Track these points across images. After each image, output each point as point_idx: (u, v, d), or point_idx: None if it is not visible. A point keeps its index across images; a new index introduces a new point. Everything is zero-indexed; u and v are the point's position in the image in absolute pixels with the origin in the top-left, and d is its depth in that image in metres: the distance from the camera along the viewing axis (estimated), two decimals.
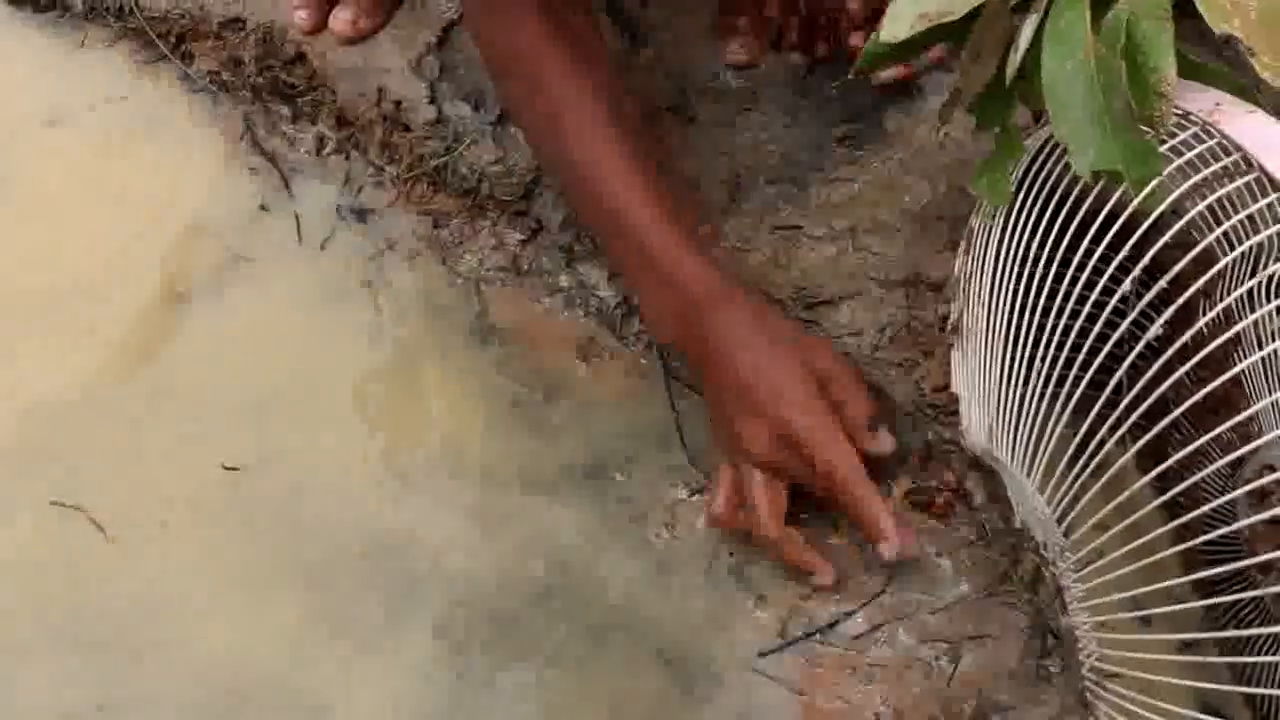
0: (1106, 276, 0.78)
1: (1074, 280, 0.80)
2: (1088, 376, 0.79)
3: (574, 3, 1.01)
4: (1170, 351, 0.75)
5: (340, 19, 1.18)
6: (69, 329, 1.10)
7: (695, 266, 0.95)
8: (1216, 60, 0.86)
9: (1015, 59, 0.80)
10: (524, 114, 1.05)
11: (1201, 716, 0.83)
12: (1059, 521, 0.84)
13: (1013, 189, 0.86)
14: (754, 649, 0.93)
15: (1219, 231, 0.75)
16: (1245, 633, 0.81)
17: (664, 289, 0.96)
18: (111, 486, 1.02)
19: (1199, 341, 0.76)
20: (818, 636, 0.93)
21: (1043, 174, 0.85)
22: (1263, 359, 0.81)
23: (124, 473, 1.03)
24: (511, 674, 0.94)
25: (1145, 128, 0.74)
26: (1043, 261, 0.82)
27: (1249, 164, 0.75)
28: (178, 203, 1.17)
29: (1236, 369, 0.75)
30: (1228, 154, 0.76)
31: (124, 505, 1.01)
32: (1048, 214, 0.83)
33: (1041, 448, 0.84)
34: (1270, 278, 0.76)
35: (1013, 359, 0.85)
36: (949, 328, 0.95)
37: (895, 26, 0.80)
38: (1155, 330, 0.75)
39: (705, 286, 0.95)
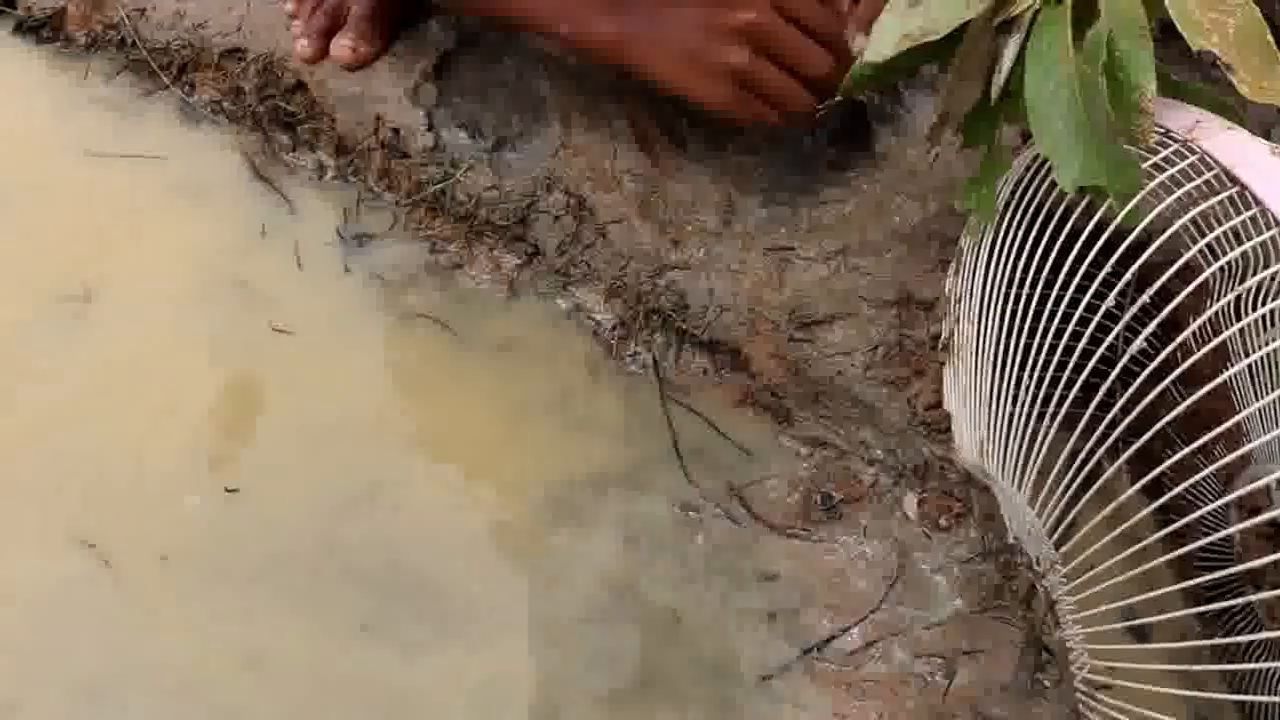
0: (1091, 293, 0.79)
1: (1061, 297, 0.81)
2: (1073, 392, 0.80)
3: None
4: (1155, 363, 0.76)
5: (341, 45, 1.20)
6: (71, 351, 1.11)
7: None
8: (1203, 80, 0.88)
9: (999, 78, 0.81)
10: None
11: None
12: (1050, 535, 0.85)
13: (1000, 205, 0.87)
14: (748, 665, 0.94)
15: (1202, 244, 0.76)
16: (1237, 639, 0.82)
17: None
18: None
19: (1186, 354, 0.76)
20: (814, 653, 0.94)
21: (1030, 192, 0.86)
22: (1250, 372, 0.82)
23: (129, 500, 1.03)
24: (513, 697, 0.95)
25: (1127, 143, 0.75)
26: (1030, 278, 0.83)
27: (1228, 179, 0.76)
28: (178, 230, 1.18)
29: (1220, 379, 0.76)
30: (1208, 170, 0.77)
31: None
32: (1035, 232, 0.84)
33: (1032, 462, 0.85)
34: (1252, 289, 0.77)
35: (1002, 375, 0.86)
36: (940, 346, 0.96)
37: (880, 46, 0.81)
38: (1139, 344, 0.76)
39: None
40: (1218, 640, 0.83)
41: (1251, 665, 0.85)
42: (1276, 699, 0.83)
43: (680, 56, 0.99)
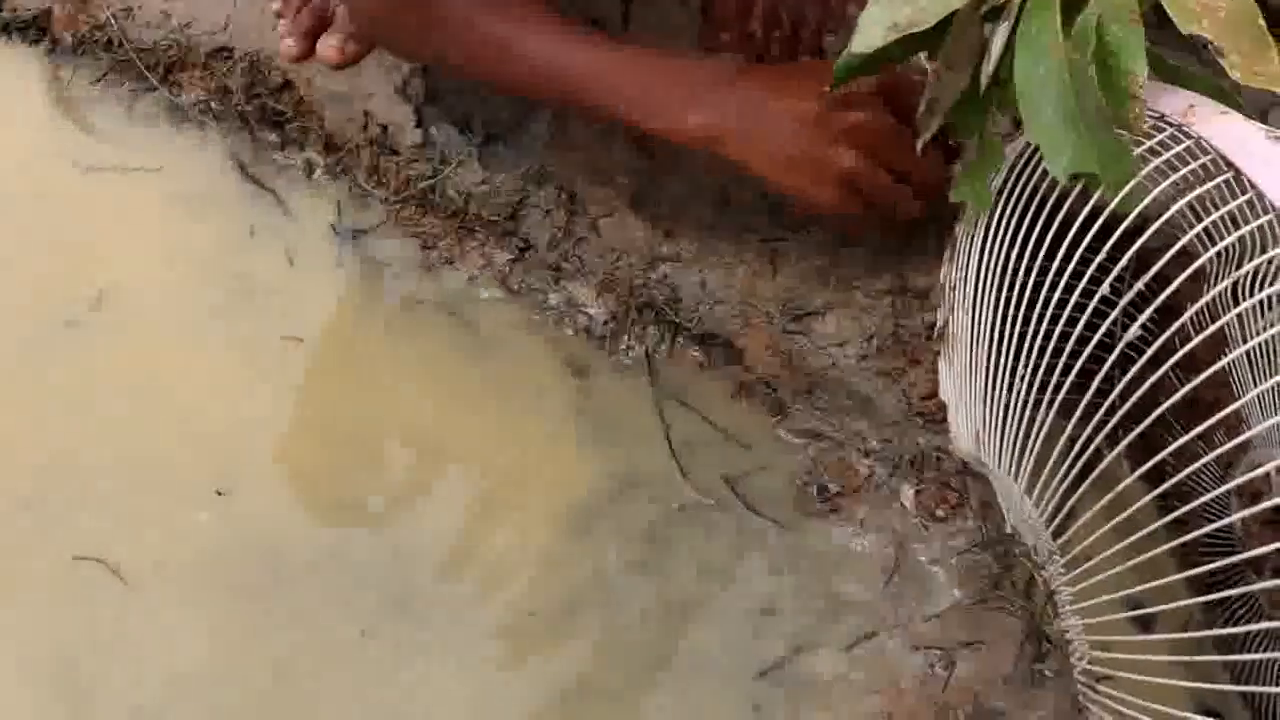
0: (1086, 278, 0.78)
1: (1056, 284, 0.80)
2: (1069, 379, 0.79)
3: None
4: (1152, 349, 0.75)
5: (328, 45, 1.18)
6: (60, 358, 1.10)
7: (693, 57, 0.99)
8: (1196, 63, 0.87)
9: (989, 66, 0.80)
10: (463, 54, 1.04)
11: (1199, 717, 0.83)
12: (1048, 525, 0.84)
13: (994, 193, 0.86)
14: (750, 662, 0.93)
15: (1198, 229, 0.75)
16: (1240, 629, 0.81)
17: (677, 84, 0.97)
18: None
19: (1184, 339, 0.76)
20: (811, 646, 0.94)
21: (1024, 180, 0.85)
22: (1248, 357, 0.81)
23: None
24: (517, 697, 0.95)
25: (1119, 129, 0.75)
26: (1024, 266, 0.83)
27: (1223, 164, 0.75)
28: (169, 230, 1.17)
29: (1217, 365, 0.75)
30: (1203, 155, 0.77)
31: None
32: (1029, 219, 0.83)
33: (1028, 452, 0.84)
34: (1249, 274, 0.76)
35: (998, 364, 0.86)
36: (935, 335, 0.96)
37: (867, 37, 0.80)
38: (1135, 330, 0.75)
39: (724, 65, 0.97)
40: (1220, 631, 0.82)
41: (1255, 656, 0.84)
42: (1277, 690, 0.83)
43: (786, 156, 0.95)
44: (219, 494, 1.02)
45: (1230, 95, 0.81)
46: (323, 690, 0.94)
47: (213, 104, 1.24)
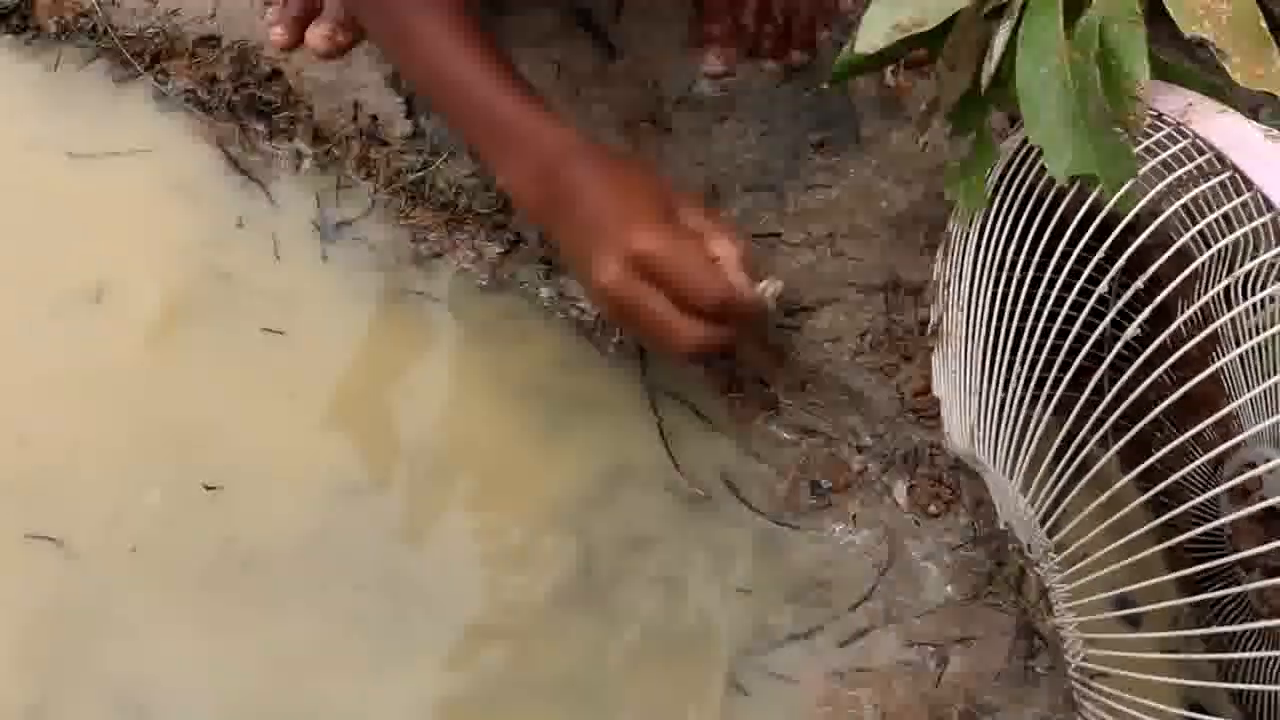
0: (1084, 278, 0.78)
1: (1052, 282, 0.80)
2: (1067, 378, 0.79)
3: None
4: (1149, 351, 0.76)
5: (317, 34, 1.17)
6: (47, 345, 1.10)
7: (548, 126, 0.96)
8: (1189, 60, 0.87)
9: (990, 66, 0.80)
10: (377, 28, 1.06)
11: (1190, 714, 0.84)
12: (1042, 523, 0.84)
13: (989, 190, 0.86)
14: (738, 657, 0.94)
15: (1195, 230, 0.76)
16: (1231, 629, 0.82)
17: (520, 153, 0.96)
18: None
19: (1178, 340, 0.76)
20: (804, 642, 0.94)
21: (1019, 177, 0.85)
22: (1241, 356, 0.82)
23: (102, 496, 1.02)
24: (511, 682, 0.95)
25: (1119, 130, 0.75)
26: (1020, 264, 0.83)
27: (1222, 163, 0.76)
28: (155, 220, 1.16)
29: (1213, 367, 0.76)
30: (1201, 154, 0.77)
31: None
32: (1025, 216, 0.83)
33: (1023, 449, 0.84)
34: (1246, 275, 0.77)
35: (993, 362, 0.86)
36: (929, 332, 0.96)
37: (870, 37, 0.80)
38: (1133, 330, 0.76)
39: (560, 143, 0.95)
40: (1211, 630, 0.83)
41: (1244, 655, 0.85)
42: (1270, 687, 0.83)
43: (578, 252, 0.94)
44: (207, 488, 1.02)
45: (1222, 91, 0.82)
46: (304, 679, 0.95)
47: (200, 93, 1.23)
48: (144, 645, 0.96)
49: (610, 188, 0.93)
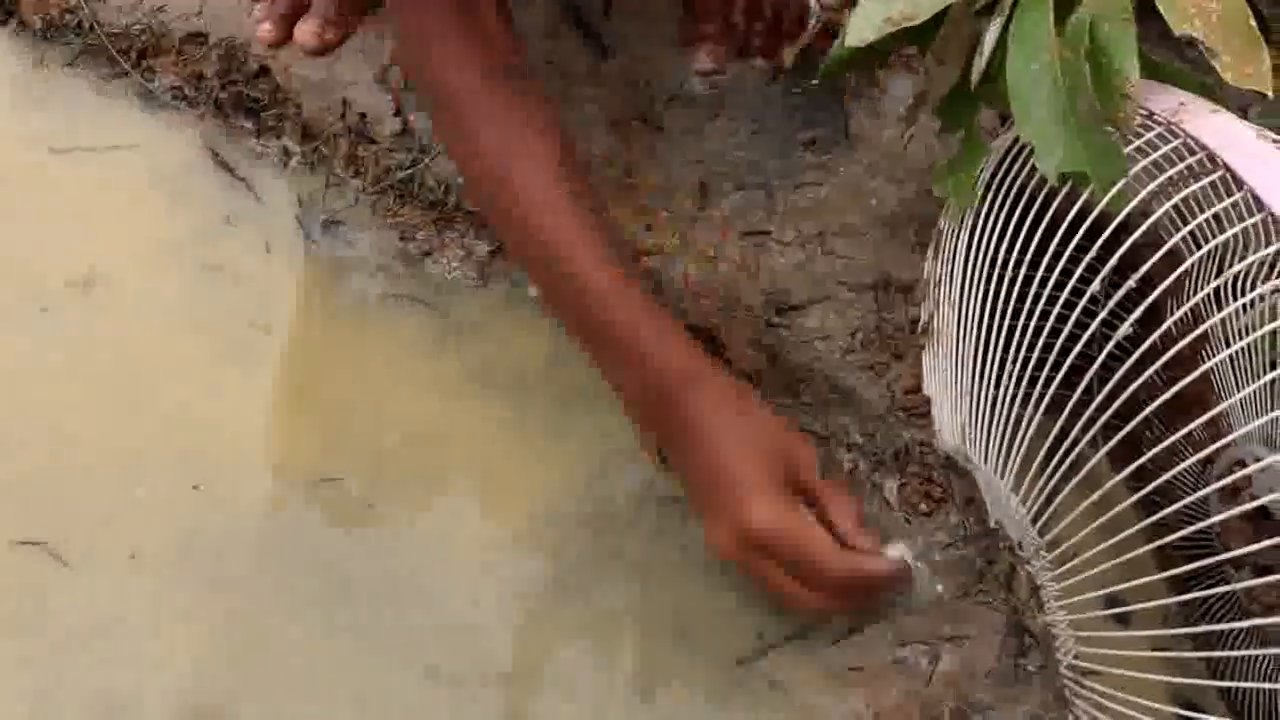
0: (1076, 277, 0.78)
1: (1043, 281, 0.80)
2: (1059, 376, 0.79)
3: (511, 49, 0.97)
4: (1140, 351, 0.76)
5: (305, 31, 1.17)
6: (32, 345, 1.09)
7: (666, 347, 0.92)
8: (1179, 60, 0.87)
9: (980, 62, 0.80)
10: (465, 161, 0.99)
11: (1181, 711, 0.84)
12: (1034, 521, 0.84)
13: (980, 190, 0.86)
14: (732, 655, 0.94)
15: (1186, 230, 0.76)
16: (1220, 627, 0.82)
17: (637, 370, 0.92)
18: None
19: (1168, 340, 0.76)
20: (796, 641, 0.94)
21: (1010, 175, 0.85)
22: (1231, 357, 0.82)
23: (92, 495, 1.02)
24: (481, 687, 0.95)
25: (1110, 128, 0.75)
26: (1012, 262, 0.83)
27: (1213, 163, 0.76)
28: (143, 218, 1.16)
29: (1203, 368, 0.76)
30: (1193, 153, 0.77)
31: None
32: (1016, 215, 0.83)
33: (1014, 448, 0.84)
34: (1236, 275, 0.77)
35: (984, 360, 0.86)
36: (920, 330, 0.96)
37: (860, 31, 0.80)
38: (1125, 330, 0.76)
39: (678, 367, 0.91)
40: (1201, 629, 0.83)
41: (1234, 652, 0.85)
42: (1258, 684, 0.83)
43: (691, 490, 0.93)
44: (195, 488, 1.01)
45: (1212, 90, 0.82)
46: (289, 673, 0.94)
47: (187, 90, 1.22)
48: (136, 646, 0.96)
49: (726, 438, 0.89)
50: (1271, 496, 0.78)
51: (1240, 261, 0.75)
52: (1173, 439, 0.76)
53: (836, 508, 0.90)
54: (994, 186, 0.86)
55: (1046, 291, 0.80)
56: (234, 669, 0.94)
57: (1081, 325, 0.79)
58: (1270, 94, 0.75)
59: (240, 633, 0.95)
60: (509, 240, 1.00)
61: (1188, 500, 0.78)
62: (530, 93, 0.96)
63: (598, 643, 0.95)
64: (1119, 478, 0.77)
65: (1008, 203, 0.84)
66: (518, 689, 0.93)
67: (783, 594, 0.89)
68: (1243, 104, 1.01)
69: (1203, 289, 0.77)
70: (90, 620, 0.95)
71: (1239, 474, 0.79)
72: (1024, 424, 0.83)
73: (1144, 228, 0.76)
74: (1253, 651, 0.85)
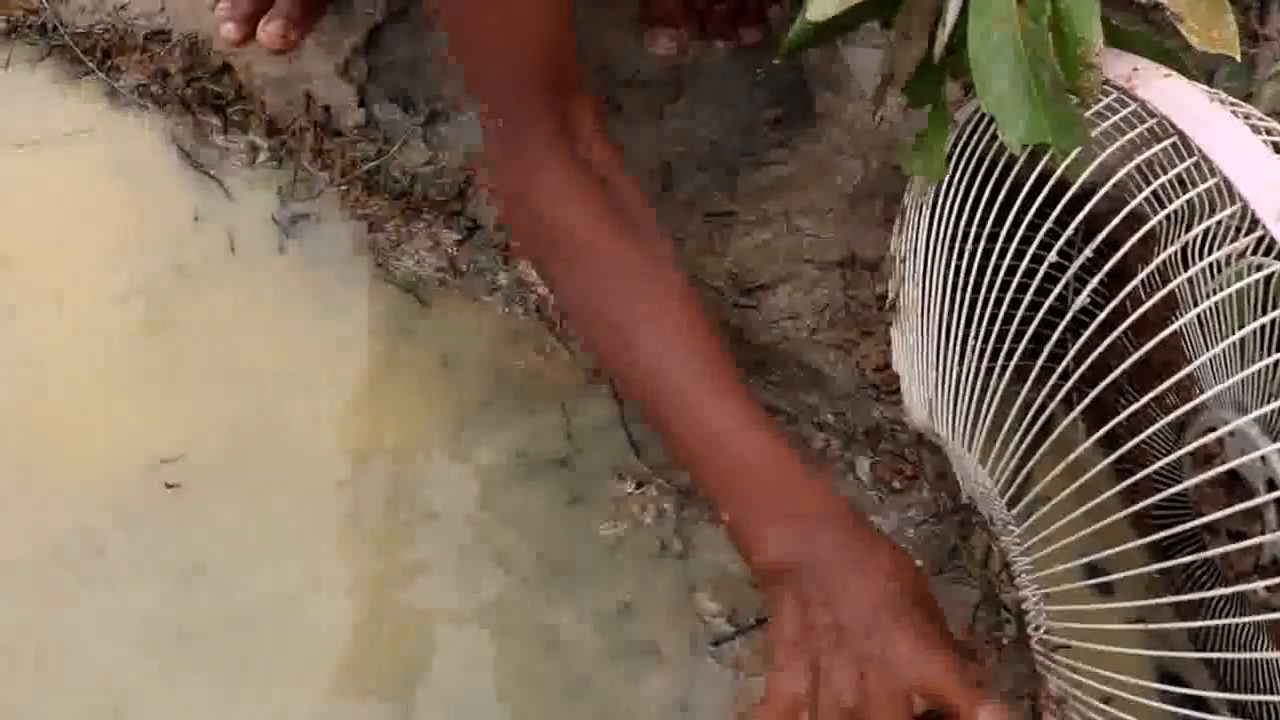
0: (1037, 244, 0.78)
1: (1004, 251, 0.80)
2: (1021, 346, 0.79)
3: (613, 161, 0.91)
4: (1104, 313, 0.75)
5: (269, 32, 1.17)
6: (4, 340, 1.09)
7: (809, 481, 0.82)
8: (1140, 22, 0.87)
9: (943, 35, 0.79)
10: (577, 310, 0.92)
11: (1152, 684, 0.83)
12: (1002, 494, 0.84)
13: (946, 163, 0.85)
14: (706, 638, 0.93)
15: (1147, 192, 0.75)
16: (1199, 595, 0.81)
17: (779, 519, 0.80)
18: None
19: (1134, 302, 0.76)
20: (769, 622, 0.93)
21: (971, 146, 0.84)
22: (1200, 320, 0.81)
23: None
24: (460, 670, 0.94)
25: (1073, 97, 0.74)
26: (973, 234, 0.82)
27: (1166, 128, 0.75)
28: (110, 217, 1.15)
29: (1169, 329, 0.75)
30: (1149, 118, 0.76)
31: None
32: (977, 185, 0.83)
33: (981, 422, 0.84)
34: (1195, 239, 0.76)
35: (949, 334, 0.85)
36: (887, 306, 0.95)
37: (823, 5, 0.79)
38: (1085, 295, 0.75)
39: (822, 505, 0.81)
40: (1179, 597, 0.82)
41: (1214, 621, 0.84)
42: (1237, 654, 0.83)
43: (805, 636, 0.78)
44: (168, 486, 1.01)
45: (1175, 56, 0.81)
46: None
47: (152, 88, 1.22)
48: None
49: (868, 592, 0.77)
50: (1240, 460, 0.77)
51: (1199, 225, 0.74)
52: (1141, 402, 0.75)
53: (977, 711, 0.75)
54: (956, 158, 0.85)
55: (1006, 262, 0.79)
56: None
57: (1047, 294, 0.78)
58: (1238, 57, 0.75)
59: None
60: (627, 388, 0.93)
61: (1159, 465, 0.77)
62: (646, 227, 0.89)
63: (566, 633, 0.95)
64: (1086, 444, 0.76)
65: (969, 174, 0.84)
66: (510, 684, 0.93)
67: None
68: (1210, 67, 1.01)
69: (1165, 253, 0.76)
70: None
71: (1207, 438, 0.78)
72: (989, 395, 0.82)
73: (1103, 191, 0.75)
74: (1231, 620, 0.85)
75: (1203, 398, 0.78)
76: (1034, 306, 0.78)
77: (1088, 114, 0.76)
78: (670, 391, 0.84)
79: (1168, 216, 0.75)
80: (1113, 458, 0.76)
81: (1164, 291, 0.75)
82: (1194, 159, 0.74)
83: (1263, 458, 0.77)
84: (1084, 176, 0.75)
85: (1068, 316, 0.76)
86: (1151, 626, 0.86)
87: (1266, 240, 0.70)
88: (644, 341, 0.85)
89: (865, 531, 0.80)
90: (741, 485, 0.82)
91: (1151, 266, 0.76)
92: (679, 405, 0.84)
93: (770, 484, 0.81)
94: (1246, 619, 0.82)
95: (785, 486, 0.81)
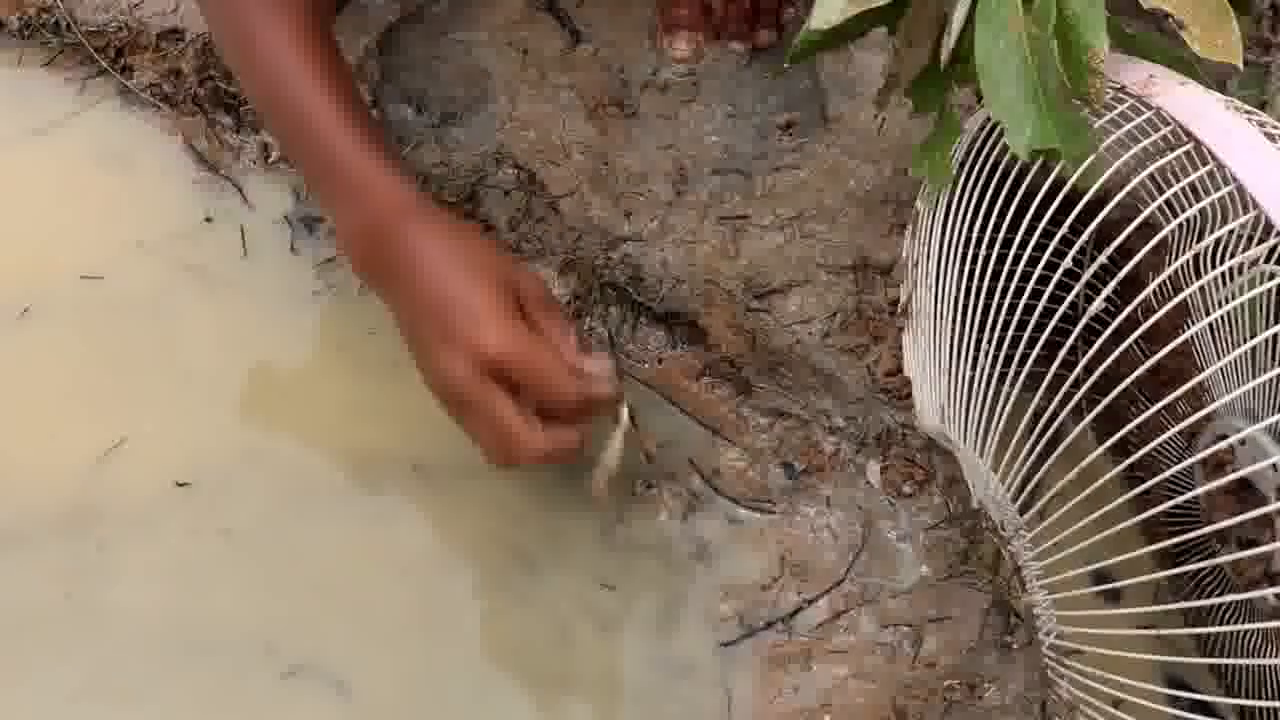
0: (1051, 252, 0.78)
1: (1018, 258, 0.80)
2: (1034, 353, 0.79)
3: None
4: (1117, 322, 0.75)
5: None
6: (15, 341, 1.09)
7: (386, 177, 0.92)
8: (1154, 31, 0.87)
9: (949, 41, 0.79)
10: (218, 23, 1.02)
11: (1167, 690, 0.83)
12: (1014, 500, 0.84)
13: (954, 169, 0.85)
14: (715, 640, 0.93)
15: (1160, 200, 0.75)
16: (1207, 602, 0.82)
17: (353, 204, 0.92)
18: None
19: (1146, 310, 0.76)
20: (779, 625, 0.93)
21: (984, 153, 0.85)
22: (1211, 328, 0.81)
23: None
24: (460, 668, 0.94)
25: (1080, 104, 0.74)
26: (986, 241, 0.82)
27: (1181, 136, 0.75)
28: (121, 216, 1.16)
29: (1181, 338, 0.75)
30: (1166, 125, 0.76)
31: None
32: (990, 193, 0.83)
33: (993, 428, 0.84)
34: (1211, 246, 0.76)
35: (962, 339, 0.85)
36: (899, 311, 0.95)
37: (826, 12, 0.79)
38: (1100, 302, 0.75)
39: (396, 202, 0.91)
40: (1186, 604, 0.82)
41: (1224, 628, 0.85)
42: (1247, 661, 0.83)
43: (415, 330, 0.91)
44: (179, 485, 1.01)
45: (1190, 65, 0.81)
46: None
47: (165, 87, 1.22)
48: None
49: (453, 266, 0.89)
50: (1252, 468, 0.77)
51: (1212, 234, 0.74)
52: (1153, 410, 0.75)
53: (559, 335, 0.89)
54: (968, 165, 0.85)
55: (1020, 269, 0.80)
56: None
57: (1058, 301, 0.78)
58: (1240, 65, 0.75)
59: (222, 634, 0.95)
60: (250, 89, 1.01)
61: (1169, 473, 0.77)
62: None
63: (568, 627, 0.95)
64: (1097, 452, 0.76)
65: (982, 181, 0.84)
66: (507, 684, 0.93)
67: (505, 435, 0.87)
68: (1222, 75, 1.01)
69: (1179, 259, 0.77)
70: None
71: (1218, 446, 0.79)
72: (1001, 402, 0.82)
73: (1116, 200, 0.75)
74: (1240, 627, 0.85)
75: (1214, 406, 0.79)
76: (1046, 314, 0.79)
77: (1101, 122, 0.76)
78: (283, 96, 0.95)
79: (1180, 225, 0.76)
80: (1124, 465, 0.76)
81: (1176, 300, 0.75)
82: (1207, 167, 0.74)
83: (1274, 465, 0.77)
84: (1097, 185, 0.75)
85: (1080, 324, 0.76)
86: (1161, 632, 0.86)
87: None
88: (262, 42, 0.95)
89: (441, 212, 0.93)
90: (328, 185, 0.94)
91: (1164, 275, 0.76)
92: (290, 103, 0.94)
93: (349, 173, 0.92)
94: (1256, 625, 0.82)
95: (364, 176, 0.91)
